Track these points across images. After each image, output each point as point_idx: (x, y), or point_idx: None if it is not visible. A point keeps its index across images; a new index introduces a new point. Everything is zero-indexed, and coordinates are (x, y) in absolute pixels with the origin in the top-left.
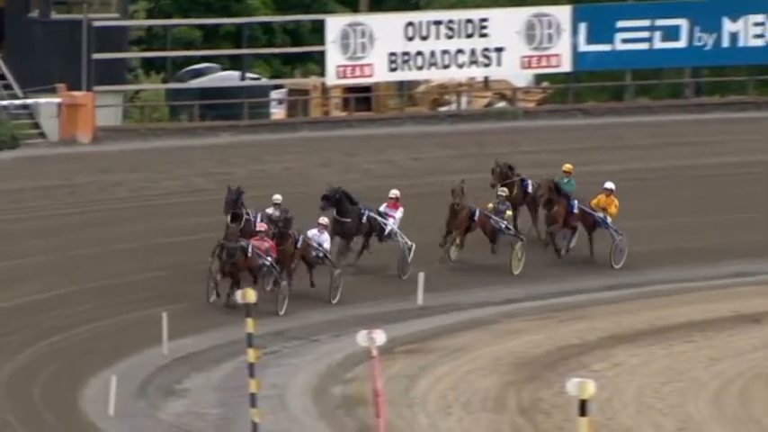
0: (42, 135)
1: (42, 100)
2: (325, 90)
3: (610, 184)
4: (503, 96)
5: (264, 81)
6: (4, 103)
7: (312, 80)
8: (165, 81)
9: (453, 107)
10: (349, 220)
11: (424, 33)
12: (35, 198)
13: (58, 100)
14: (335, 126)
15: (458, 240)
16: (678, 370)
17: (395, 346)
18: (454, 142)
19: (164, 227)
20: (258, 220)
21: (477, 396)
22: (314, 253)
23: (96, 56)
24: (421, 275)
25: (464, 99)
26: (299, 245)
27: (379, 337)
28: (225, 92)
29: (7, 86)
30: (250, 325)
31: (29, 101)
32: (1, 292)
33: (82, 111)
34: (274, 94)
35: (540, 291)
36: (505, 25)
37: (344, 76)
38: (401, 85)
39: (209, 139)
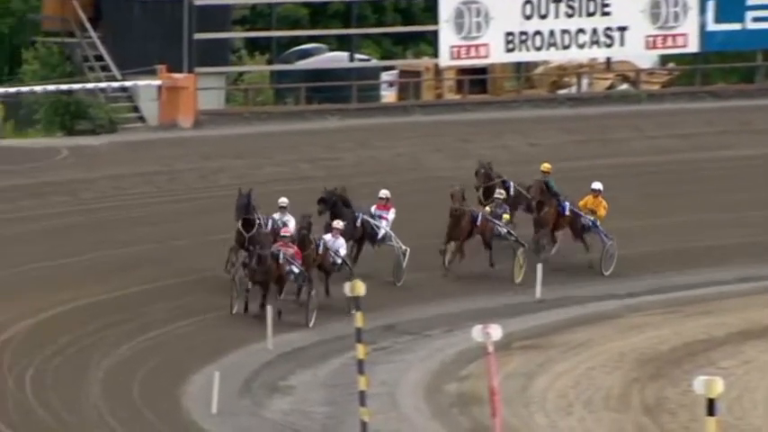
0: (141, 119)
1: (141, 82)
2: (437, 72)
3: (597, 185)
4: (626, 78)
5: (374, 62)
6: (102, 85)
7: (424, 61)
8: (269, 62)
9: (573, 90)
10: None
11: (543, 12)
12: (134, 185)
13: (157, 82)
14: (449, 110)
15: (454, 247)
16: None
17: (511, 341)
18: (574, 127)
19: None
20: (270, 225)
21: (599, 394)
22: (331, 260)
23: (198, 36)
24: (539, 267)
25: (585, 81)
26: (320, 251)
27: (495, 332)
28: (333, 74)
29: (105, 68)
30: (359, 319)
31: (127, 83)
32: (98, 284)
33: (183, 94)
34: (385, 76)
35: (664, 283)
36: (629, 3)
37: (458, 57)
38: (518, 66)
39: (315, 124)
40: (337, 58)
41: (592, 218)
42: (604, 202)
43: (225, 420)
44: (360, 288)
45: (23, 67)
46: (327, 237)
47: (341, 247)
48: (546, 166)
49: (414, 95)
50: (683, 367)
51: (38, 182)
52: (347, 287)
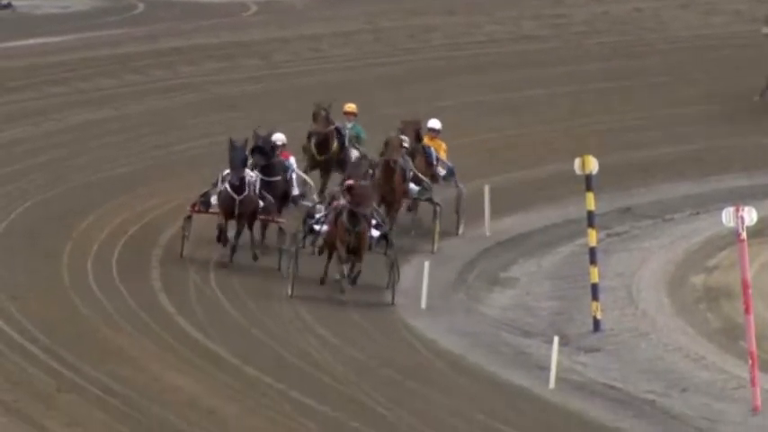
0: None
1: None
2: None
3: (435, 123)
4: None
5: None
6: None
7: None
8: None
9: None
10: (278, 178)
11: None
12: (333, 46)
13: None
14: None
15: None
16: None
17: None
18: None
19: (487, 82)
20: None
21: None
22: None
23: None
24: None
25: None
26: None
27: (750, 215)
28: None
29: None
30: (590, 201)
31: None
32: None
33: None
34: None
35: None
36: None
37: None
38: None
39: None
40: None
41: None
42: (443, 144)
43: (436, 317)
44: (591, 164)
45: None
46: None
47: None
48: (350, 106)
49: None
50: None
51: (223, 42)
52: (576, 163)
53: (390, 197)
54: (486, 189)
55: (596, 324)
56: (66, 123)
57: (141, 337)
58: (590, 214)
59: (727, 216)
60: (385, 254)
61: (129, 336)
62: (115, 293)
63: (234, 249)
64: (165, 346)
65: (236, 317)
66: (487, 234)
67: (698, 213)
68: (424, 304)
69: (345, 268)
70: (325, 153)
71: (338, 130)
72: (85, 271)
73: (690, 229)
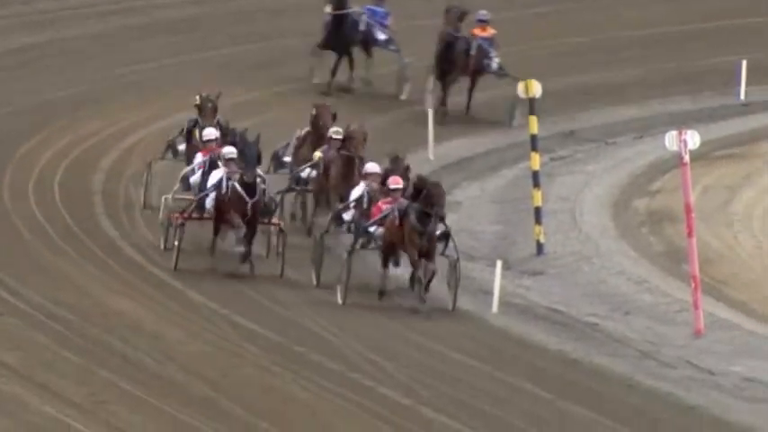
0: None
1: None
2: None
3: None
4: None
5: None
6: None
7: None
8: None
9: None
10: None
11: None
12: None
13: None
14: None
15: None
16: None
17: (711, 150)
18: None
19: (432, 7)
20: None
21: None
22: None
23: None
24: (743, 63)
25: None
26: None
27: (693, 138)
28: None
29: None
30: (533, 124)
31: None
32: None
33: None
34: None
35: None
36: None
37: None
38: None
39: None
40: None
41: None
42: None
43: None
44: (534, 88)
45: None
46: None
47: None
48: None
49: None
50: None
51: None
52: (520, 87)
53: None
54: (430, 113)
55: (539, 248)
56: (7, 47)
57: (84, 262)
58: (533, 138)
59: (670, 140)
60: (444, 254)
61: (72, 261)
62: (58, 217)
63: (249, 259)
64: (109, 271)
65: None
66: (431, 158)
67: (641, 137)
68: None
69: (420, 273)
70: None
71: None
72: (27, 195)
73: (633, 152)
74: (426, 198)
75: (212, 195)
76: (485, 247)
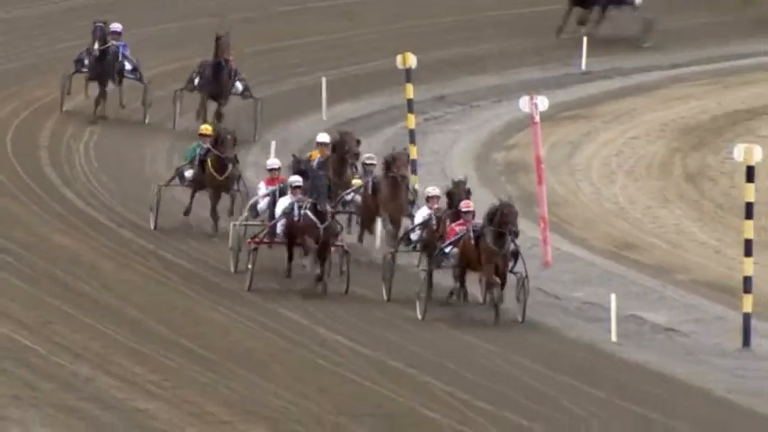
0: None
1: None
2: None
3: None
4: None
5: None
6: None
7: None
8: None
9: None
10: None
11: None
12: None
13: None
14: None
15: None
16: None
17: (557, 112)
18: None
19: None
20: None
21: (642, 163)
22: None
23: None
24: (584, 39)
25: None
26: None
27: (542, 102)
28: None
29: None
30: (409, 90)
31: None
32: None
33: None
34: None
35: (706, 54)
36: None
37: None
38: None
39: None
40: None
41: None
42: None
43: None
44: (410, 59)
45: None
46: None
47: None
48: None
49: None
50: (723, 136)
51: None
52: (398, 59)
53: (396, 213)
54: (324, 81)
55: (415, 192)
56: None
57: (32, 205)
58: (409, 102)
59: (524, 103)
60: (512, 271)
61: (22, 204)
62: (9, 168)
63: (323, 279)
64: (53, 213)
65: (114, 189)
66: (324, 119)
67: (500, 101)
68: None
69: (495, 291)
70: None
71: None
72: None
73: (493, 114)
74: (501, 218)
75: (282, 221)
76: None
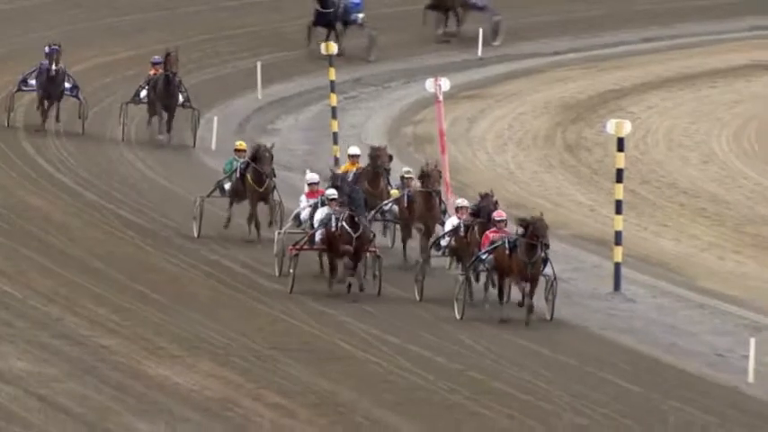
0: None
1: None
2: None
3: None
4: None
5: None
6: None
7: None
8: None
9: None
10: None
11: None
12: None
13: None
14: None
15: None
16: (704, 111)
17: (458, 92)
18: None
19: None
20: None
21: (529, 135)
22: None
23: None
24: (480, 30)
25: None
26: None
27: (444, 84)
28: None
29: None
30: (331, 73)
31: None
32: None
33: None
34: None
35: (583, 44)
36: None
37: None
38: None
39: None
40: None
41: None
42: None
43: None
44: (332, 48)
45: None
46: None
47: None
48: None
49: None
50: (597, 112)
51: None
52: (323, 46)
53: (430, 222)
54: (258, 65)
55: (336, 161)
56: None
57: (10, 171)
58: (332, 83)
59: (429, 84)
60: (543, 274)
61: (1, 169)
62: None
63: (361, 281)
64: (28, 178)
65: (81, 158)
66: (259, 98)
67: (408, 83)
68: (213, 146)
69: (527, 299)
70: None
71: None
72: None
73: (403, 94)
74: (533, 231)
75: (321, 231)
76: (297, 160)
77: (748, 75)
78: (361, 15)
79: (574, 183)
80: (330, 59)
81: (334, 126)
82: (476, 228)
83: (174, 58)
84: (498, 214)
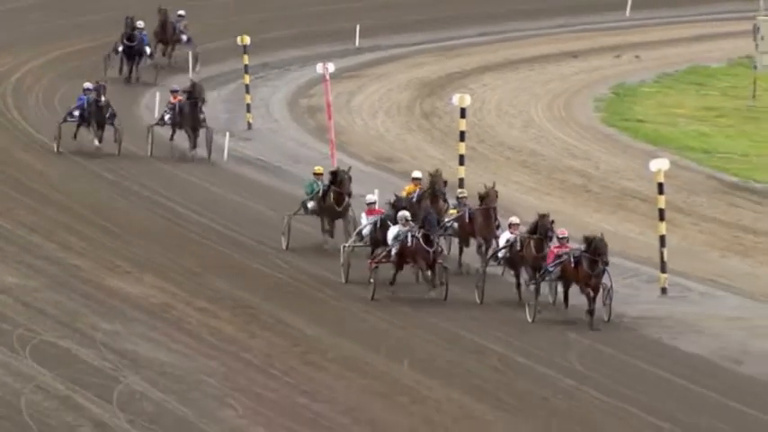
0: None
1: None
2: None
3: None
4: None
5: None
6: None
7: None
8: None
9: None
10: None
11: None
12: None
13: None
14: None
15: None
16: (524, 88)
17: (340, 73)
18: None
19: None
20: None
21: (395, 106)
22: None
23: None
24: (357, 27)
25: None
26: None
27: (330, 67)
28: None
29: None
30: (245, 59)
31: None
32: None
33: None
34: None
35: (435, 37)
36: None
37: None
38: None
39: None
40: None
41: None
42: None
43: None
44: (246, 39)
45: None
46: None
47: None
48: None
49: None
50: (446, 89)
51: None
52: (239, 39)
53: (488, 236)
54: (190, 55)
55: (249, 125)
56: None
57: (1, 134)
58: (245, 66)
59: (319, 67)
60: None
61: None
62: None
63: (435, 285)
64: (18, 140)
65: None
66: (191, 76)
67: (303, 66)
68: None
69: (592, 306)
70: None
71: None
72: None
73: (300, 74)
74: (595, 249)
75: (396, 246)
76: (220, 125)
77: (558, 61)
78: (148, 49)
79: (429, 142)
80: (244, 48)
81: (248, 99)
82: (531, 243)
83: (200, 88)
84: (561, 232)
